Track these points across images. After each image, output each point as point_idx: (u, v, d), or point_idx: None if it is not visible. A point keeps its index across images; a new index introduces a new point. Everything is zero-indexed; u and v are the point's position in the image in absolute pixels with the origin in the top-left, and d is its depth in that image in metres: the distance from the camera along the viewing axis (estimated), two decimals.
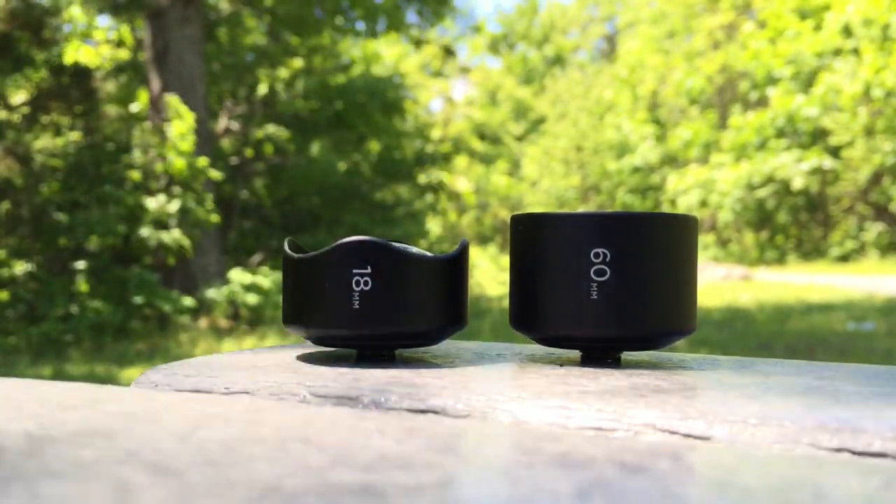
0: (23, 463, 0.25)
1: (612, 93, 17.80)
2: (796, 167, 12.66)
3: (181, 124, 4.95)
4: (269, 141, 7.32)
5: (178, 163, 4.86)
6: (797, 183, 12.86)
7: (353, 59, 8.49)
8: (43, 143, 5.17)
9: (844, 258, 12.82)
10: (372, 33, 7.71)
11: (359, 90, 7.29)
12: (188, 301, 4.98)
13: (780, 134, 13.01)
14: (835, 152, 12.79)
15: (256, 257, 6.47)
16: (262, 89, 7.37)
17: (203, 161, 4.97)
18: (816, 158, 12.58)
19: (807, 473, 0.26)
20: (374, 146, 7.92)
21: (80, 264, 4.98)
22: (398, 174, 8.07)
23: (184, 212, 4.83)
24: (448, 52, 9.02)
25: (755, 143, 13.27)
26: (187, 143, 4.93)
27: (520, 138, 19.08)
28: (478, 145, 11.55)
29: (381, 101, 7.28)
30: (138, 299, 4.89)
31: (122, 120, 5.62)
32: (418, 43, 7.94)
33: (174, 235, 4.75)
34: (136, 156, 5.02)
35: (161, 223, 4.79)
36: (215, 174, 5.04)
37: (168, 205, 4.80)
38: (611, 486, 0.24)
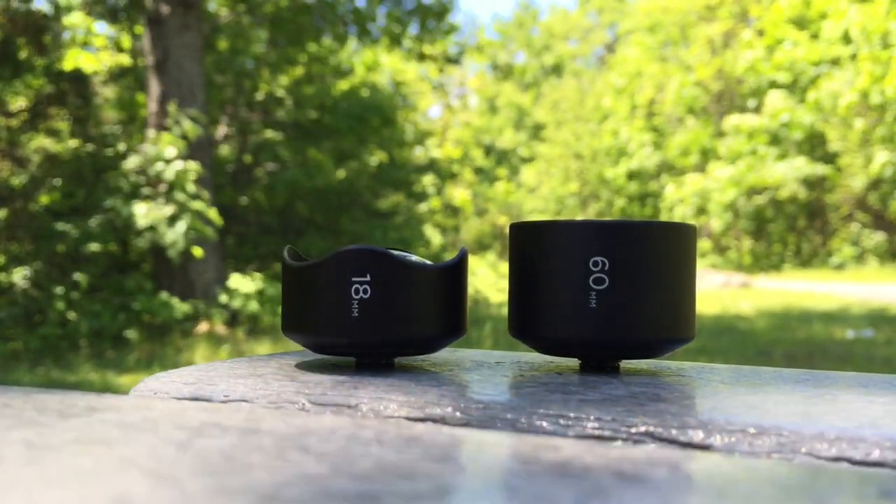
0: (22, 471, 0.25)
1: (609, 101, 17.83)
2: (789, 173, 12.68)
3: (172, 137, 4.96)
4: (268, 148, 7.32)
5: (167, 172, 4.87)
6: (784, 192, 12.89)
7: (352, 65, 8.50)
8: (39, 142, 5.17)
9: (843, 266, 12.83)
10: (370, 41, 7.72)
11: (356, 100, 7.31)
12: (186, 308, 4.98)
13: (775, 141, 13.02)
14: (831, 160, 12.81)
15: (255, 264, 6.47)
16: (261, 96, 7.38)
17: (194, 167, 4.97)
18: (807, 166, 12.61)
19: (805, 483, 0.26)
20: (373, 152, 7.93)
21: (78, 272, 4.98)
22: (397, 182, 8.08)
23: (173, 218, 4.83)
24: (451, 60, 9.03)
25: (748, 150, 13.30)
26: (178, 150, 4.94)
27: (526, 159, 19.16)
28: (482, 160, 11.57)
29: (377, 112, 7.31)
30: (137, 306, 4.89)
31: (122, 126, 5.62)
32: (422, 56, 7.95)
33: (174, 237, 4.74)
34: (132, 162, 5.02)
35: (156, 228, 4.78)
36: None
37: (161, 210, 4.80)
38: (609, 496, 0.24)
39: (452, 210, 9.73)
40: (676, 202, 14.58)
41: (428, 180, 8.72)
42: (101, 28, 6.22)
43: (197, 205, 4.97)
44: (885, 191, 12.25)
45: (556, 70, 22.11)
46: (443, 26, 7.77)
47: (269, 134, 7.38)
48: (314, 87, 7.55)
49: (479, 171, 12.20)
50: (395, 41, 7.65)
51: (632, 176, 16.72)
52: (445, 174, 8.98)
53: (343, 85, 7.91)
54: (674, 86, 15.87)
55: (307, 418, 0.34)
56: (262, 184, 7.24)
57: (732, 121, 13.68)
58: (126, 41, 6.34)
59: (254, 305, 5.25)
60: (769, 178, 12.92)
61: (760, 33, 13.86)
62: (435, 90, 10.91)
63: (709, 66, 15.18)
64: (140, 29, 5.95)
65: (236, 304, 5.23)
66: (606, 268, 0.46)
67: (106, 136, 5.36)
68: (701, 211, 14.25)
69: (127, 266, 5.45)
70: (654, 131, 16.55)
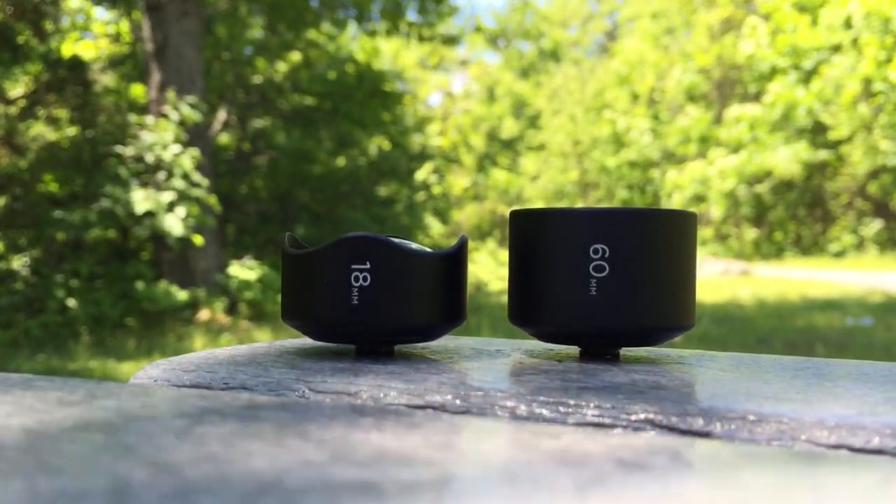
0: (22, 458, 0.25)
1: (610, 89, 17.77)
2: (790, 156, 12.67)
3: (170, 124, 4.95)
4: (266, 135, 7.31)
5: (165, 154, 4.87)
6: (784, 170, 12.87)
7: (351, 53, 8.48)
8: (38, 130, 5.16)
9: (843, 254, 12.83)
10: (369, 28, 7.70)
11: (349, 75, 7.32)
12: (186, 295, 4.98)
13: (777, 127, 12.99)
14: (833, 147, 12.79)
15: (255, 251, 6.46)
16: (258, 80, 7.36)
17: (193, 153, 4.96)
18: (808, 153, 12.59)
19: (805, 470, 0.26)
20: (372, 138, 7.91)
21: (78, 259, 4.98)
22: (396, 170, 8.06)
23: (172, 205, 4.82)
24: (451, 40, 9.01)
25: (749, 138, 13.28)
26: (176, 137, 4.94)
27: (533, 148, 19.15)
28: (480, 143, 11.53)
29: (370, 87, 7.29)
30: (136, 294, 4.89)
31: (120, 113, 5.61)
32: (422, 38, 7.93)
33: (173, 224, 4.74)
34: (130, 149, 5.02)
35: (155, 213, 4.78)
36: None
37: (160, 196, 4.79)
38: (609, 483, 0.24)
39: (452, 198, 9.72)
40: (673, 189, 14.57)
41: (427, 168, 8.71)
42: (101, 14, 6.21)
43: (196, 192, 4.97)
44: (885, 181, 12.23)
45: (554, 56, 22.01)
46: (442, 8, 7.76)
47: (268, 121, 7.36)
48: (312, 72, 7.53)
49: (481, 156, 12.17)
50: (395, 25, 7.62)
51: (631, 165, 16.69)
52: (444, 162, 8.97)
53: (337, 73, 7.89)
54: (675, 73, 15.82)
55: (307, 406, 0.34)
56: (261, 171, 7.22)
57: (733, 111, 13.64)
58: (125, 28, 6.31)
59: (252, 292, 5.26)
60: (770, 163, 12.90)
61: (766, 17, 13.79)
62: (436, 73, 10.89)
63: (709, 52, 15.13)
64: (139, 15, 5.93)
65: (233, 286, 5.24)
66: (607, 255, 0.46)
67: (104, 123, 5.34)
68: (700, 199, 14.24)
69: (127, 254, 5.45)
70: (655, 119, 16.51)
